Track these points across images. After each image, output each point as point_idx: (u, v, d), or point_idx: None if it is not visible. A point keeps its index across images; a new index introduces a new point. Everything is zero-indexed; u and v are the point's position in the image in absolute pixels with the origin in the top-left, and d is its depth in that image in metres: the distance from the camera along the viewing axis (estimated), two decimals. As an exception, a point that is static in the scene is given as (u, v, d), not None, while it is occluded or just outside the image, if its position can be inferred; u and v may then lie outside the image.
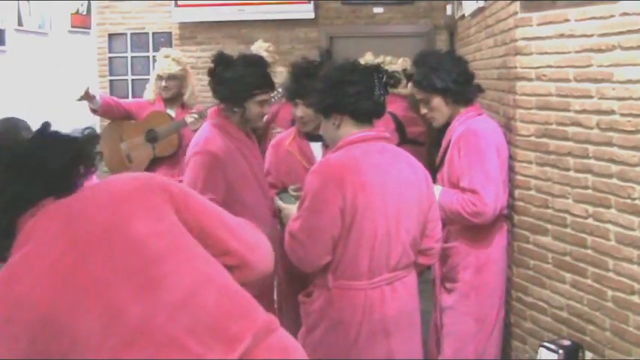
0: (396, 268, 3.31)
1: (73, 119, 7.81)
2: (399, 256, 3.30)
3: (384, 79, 3.43)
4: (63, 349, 1.93)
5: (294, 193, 4.13)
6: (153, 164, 6.14)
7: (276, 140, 4.66)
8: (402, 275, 3.36)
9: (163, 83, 6.13)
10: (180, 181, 5.61)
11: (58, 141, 2.21)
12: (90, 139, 2.31)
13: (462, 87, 4.23)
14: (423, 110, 4.38)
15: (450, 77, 4.19)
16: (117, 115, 6.29)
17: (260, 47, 6.63)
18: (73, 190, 2.18)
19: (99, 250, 2.04)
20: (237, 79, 4.13)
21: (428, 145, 6.09)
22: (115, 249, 2.06)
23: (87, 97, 6.03)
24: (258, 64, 4.27)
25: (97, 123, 7.87)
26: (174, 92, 6.16)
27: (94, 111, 6.23)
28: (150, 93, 6.30)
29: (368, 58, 6.33)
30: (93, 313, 1.95)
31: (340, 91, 3.35)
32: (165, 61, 6.14)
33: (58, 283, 1.97)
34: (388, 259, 3.28)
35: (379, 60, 6.21)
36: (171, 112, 6.19)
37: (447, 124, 4.31)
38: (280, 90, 5.51)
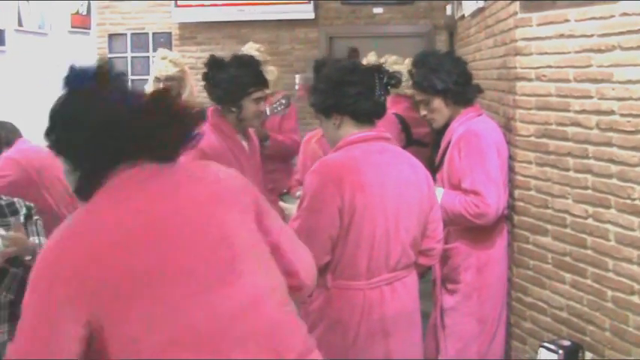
0: (395, 269, 3.31)
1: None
2: (399, 256, 3.29)
3: (385, 80, 3.43)
4: (115, 317, 1.93)
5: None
6: None
7: (306, 138, 4.83)
8: (402, 275, 3.35)
9: (161, 85, 6.11)
10: None
11: (177, 111, 2.24)
12: (199, 115, 2.35)
13: (462, 88, 4.23)
14: (423, 112, 4.38)
15: (451, 78, 4.19)
16: None
17: (251, 48, 6.61)
18: (173, 159, 2.21)
19: (186, 233, 2.08)
20: (231, 80, 4.23)
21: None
22: (205, 235, 2.11)
23: None
24: (250, 63, 4.39)
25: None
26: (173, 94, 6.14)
27: None
28: None
29: (371, 59, 6.32)
30: (165, 294, 1.98)
31: (340, 91, 3.34)
32: (162, 63, 6.12)
33: (136, 252, 1.99)
34: (387, 260, 3.27)
35: (384, 60, 6.18)
36: None
37: (445, 125, 4.31)
38: (284, 101, 5.52)
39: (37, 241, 3.56)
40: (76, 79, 2.19)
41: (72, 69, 2.20)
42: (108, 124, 2.09)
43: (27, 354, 1.91)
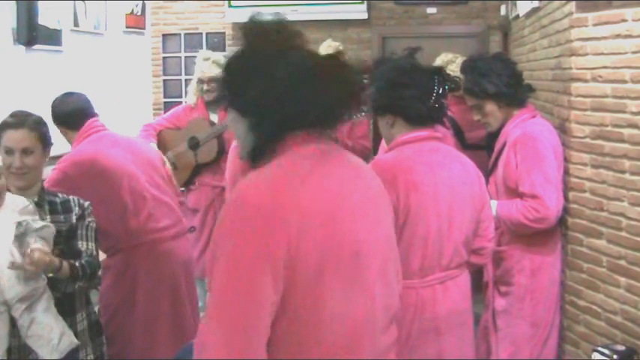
0: (448, 268, 3.29)
1: (126, 118, 7.91)
2: (452, 255, 3.27)
3: (444, 83, 3.38)
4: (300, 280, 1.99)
5: None
6: (196, 171, 6.19)
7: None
8: (455, 274, 3.33)
9: (205, 86, 6.11)
10: (223, 188, 5.62)
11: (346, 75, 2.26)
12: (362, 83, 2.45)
13: (513, 89, 4.20)
14: (477, 116, 4.36)
15: (501, 81, 4.17)
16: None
17: (329, 47, 6.55)
18: (334, 125, 2.27)
19: (371, 222, 2.18)
20: None
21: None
22: (382, 229, 2.26)
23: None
24: None
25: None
26: (216, 95, 6.12)
27: None
28: (192, 97, 6.30)
29: (445, 59, 6.18)
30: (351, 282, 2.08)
31: (395, 92, 3.31)
32: (205, 64, 6.11)
33: (338, 226, 2.05)
34: (440, 259, 3.25)
35: (439, 60, 6.09)
36: (214, 115, 6.19)
37: (499, 128, 4.28)
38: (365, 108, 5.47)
39: (82, 247, 3.53)
40: (257, 34, 2.22)
41: (252, 22, 2.23)
42: (294, 80, 2.11)
43: (231, 301, 1.94)
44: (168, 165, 5.09)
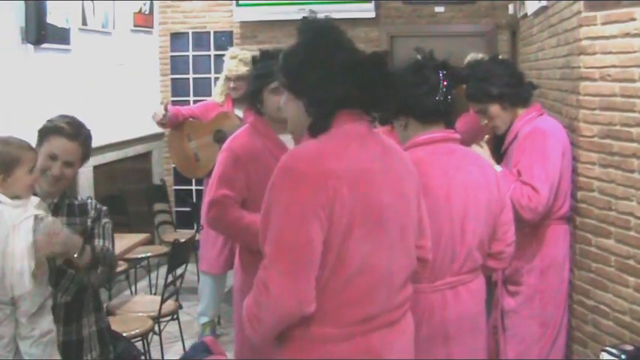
0: (460, 272, 3.23)
1: (134, 117, 7.92)
2: (464, 259, 3.22)
3: (450, 76, 3.35)
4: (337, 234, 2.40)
5: None
6: None
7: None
8: (467, 280, 3.26)
9: (232, 84, 6.14)
10: None
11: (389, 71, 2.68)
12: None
13: (515, 89, 4.21)
14: (483, 121, 4.34)
15: (503, 81, 4.17)
16: (179, 125, 6.42)
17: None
18: (380, 110, 2.76)
19: (395, 191, 2.57)
20: (254, 74, 4.14)
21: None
22: (403, 199, 2.62)
23: (165, 118, 6.17)
24: (273, 56, 4.22)
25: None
26: (243, 92, 6.12)
27: (162, 125, 6.35)
28: (219, 95, 6.32)
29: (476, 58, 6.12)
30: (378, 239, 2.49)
31: (404, 92, 3.28)
32: (232, 62, 6.12)
33: (371, 189, 2.48)
34: (452, 263, 3.20)
35: (477, 57, 6.05)
36: (239, 112, 6.20)
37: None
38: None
39: (99, 244, 3.53)
40: (313, 30, 2.69)
41: (308, 20, 2.78)
42: (344, 69, 2.52)
43: (291, 244, 2.37)
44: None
